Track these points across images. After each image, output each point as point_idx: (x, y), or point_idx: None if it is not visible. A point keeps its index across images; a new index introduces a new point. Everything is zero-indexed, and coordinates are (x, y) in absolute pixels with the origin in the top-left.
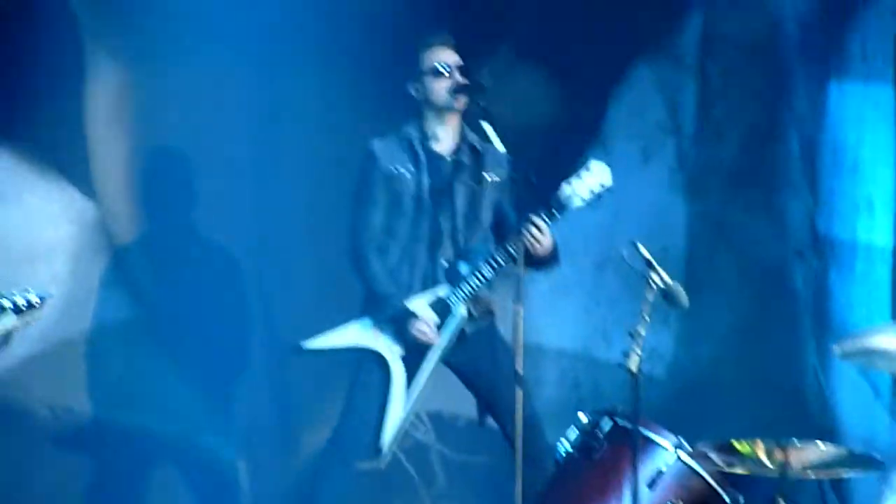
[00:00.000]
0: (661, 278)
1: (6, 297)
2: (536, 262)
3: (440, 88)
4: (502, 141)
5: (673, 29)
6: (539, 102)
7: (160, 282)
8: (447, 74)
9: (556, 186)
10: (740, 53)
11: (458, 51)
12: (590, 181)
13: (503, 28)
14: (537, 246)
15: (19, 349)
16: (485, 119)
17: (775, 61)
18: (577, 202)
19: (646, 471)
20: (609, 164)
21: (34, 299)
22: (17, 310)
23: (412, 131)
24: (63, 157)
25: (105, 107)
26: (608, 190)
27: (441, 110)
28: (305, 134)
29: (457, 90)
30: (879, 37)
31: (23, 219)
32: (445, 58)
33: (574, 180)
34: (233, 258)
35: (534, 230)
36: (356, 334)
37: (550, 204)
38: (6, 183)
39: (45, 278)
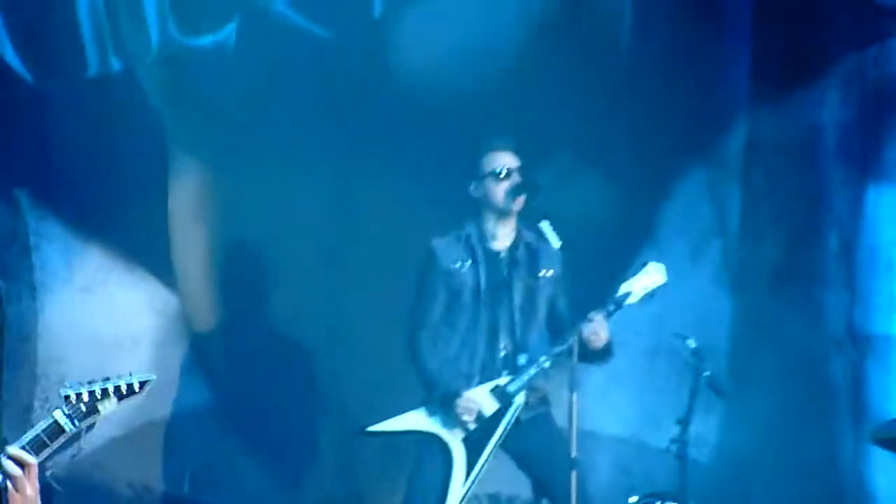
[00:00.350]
0: (708, 368)
1: (111, 382)
2: (591, 355)
3: (499, 190)
4: (560, 238)
5: (719, 136)
6: (595, 203)
7: (237, 369)
8: (506, 177)
9: (611, 282)
10: (782, 158)
11: (518, 153)
12: (645, 280)
13: (562, 132)
14: (595, 340)
15: (105, 430)
16: (543, 218)
17: (815, 165)
18: (632, 300)
19: None
20: (660, 261)
21: (136, 384)
22: (119, 395)
23: (471, 230)
24: (147, 251)
25: (186, 203)
26: (660, 288)
27: (499, 211)
28: (372, 230)
29: (515, 192)
30: None
31: (110, 310)
32: (505, 161)
33: (631, 279)
34: (304, 347)
35: (593, 325)
36: (417, 419)
37: (608, 301)
38: (95, 277)
39: (130, 366)
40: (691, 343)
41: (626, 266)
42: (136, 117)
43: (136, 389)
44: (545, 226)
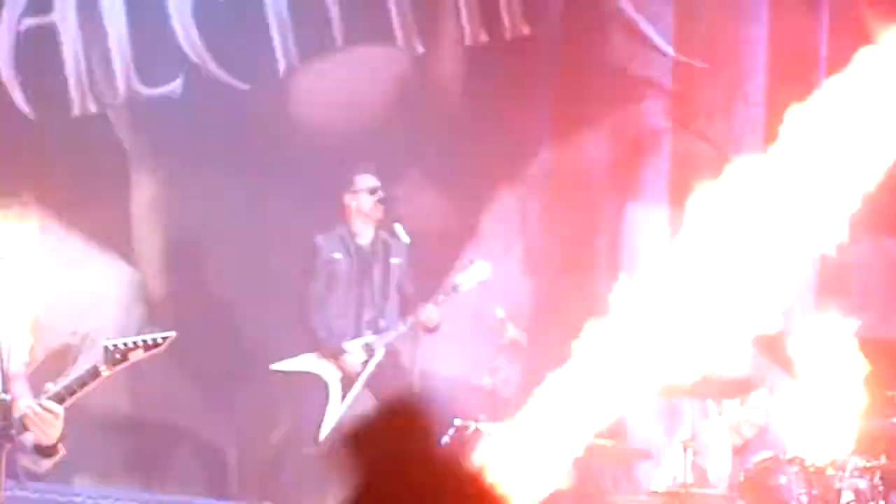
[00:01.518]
0: (512, 329)
1: (141, 337)
2: (427, 330)
3: (367, 202)
4: (408, 236)
5: (524, 164)
6: (436, 210)
7: (182, 323)
8: (371, 192)
9: (446, 269)
10: (568, 181)
11: (380, 175)
12: (475, 274)
13: (413, 158)
14: (428, 323)
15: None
16: (396, 221)
17: (591, 187)
18: (465, 288)
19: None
20: (480, 255)
21: (160, 339)
22: (146, 347)
23: (343, 230)
24: (116, 237)
25: (143, 205)
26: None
27: (364, 216)
28: (277, 230)
29: (376, 203)
30: (659, 173)
31: (87, 281)
32: (372, 182)
33: (464, 272)
34: (230, 307)
35: (427, 313)
36: (308, 362)
37: (446, 288)
38: (78, 255)
39: (103, 321)
40: (500, 312)
41: (457, 257)
42: (108, 146)
43: (160, 342)
44: (398, 227)
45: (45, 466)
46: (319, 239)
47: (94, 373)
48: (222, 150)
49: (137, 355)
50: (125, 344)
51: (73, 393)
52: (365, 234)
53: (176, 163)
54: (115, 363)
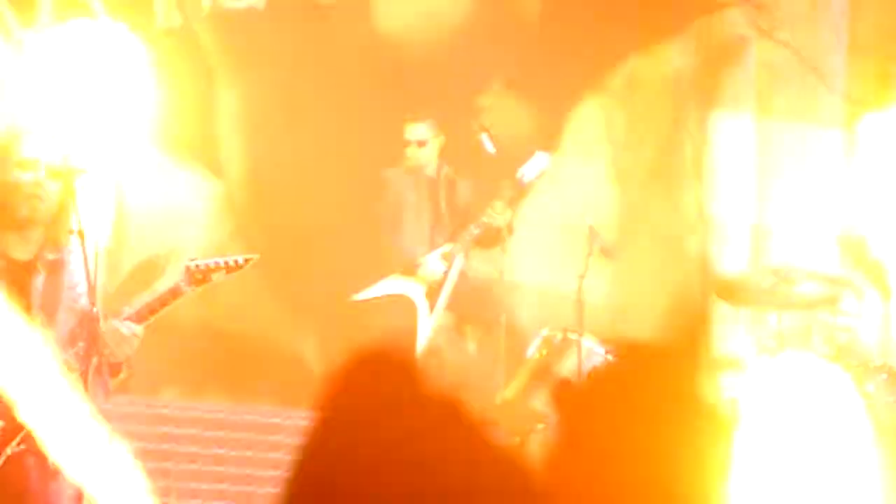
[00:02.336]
0: (602, 239)
1: (223, 259)
2: (496, 234)
3: (415, 154)
4: (493, 145)
5: (608, 72)
6: (520, 119)
7: (266, 236)
8: (421, 145)
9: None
10: (653, 89)
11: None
12: (535, 165)
13: (498, 67)
14: (497, 220)
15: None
16: (483, 131)
17: (676, 95)
18: (527, 179)
19: (585, 367)
20: (564, 165)
21: (241, 260)
22: (227, 268)
23: (409, 164)
24: (200, 149)
25: (228, 120)
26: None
27: (417, 166)
28: (350, 158)
29: (428, 154)
30: (744, 82)
31: (174, 194)
32: (420, 132)
33: (525, 166)
34: (311, 229)
35: (497, 208)
36: (388, 285)
37: (513, 184)
38: (164, 168)
39: (189, 235)
40: (588, 220)
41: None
42: (193, 57)
43: (242, 264)
44: (484, 136)
45: (109, 384)
46: (388, 172)
47: (176, 292)
48: (305, 65)
49: (219, 276)
50: (207, 264)
51: (153, 311)
52: (430, 168)
53: (258, 77)
54: (197, 283)
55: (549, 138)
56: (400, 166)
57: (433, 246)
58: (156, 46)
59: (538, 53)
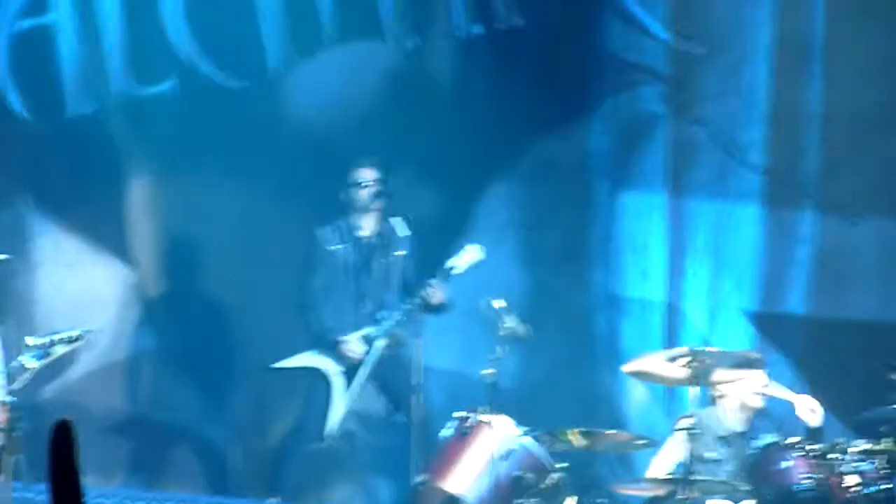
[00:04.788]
0: (510, 322)
1: (61, 333)
2: (433, 308)
3: (363, 196)
4: (408, 229)
5: (517, 155)
6: (432, 203)
7: (177, 323)
8: (367, 186)
9: (443, 259)
10: (561, 172)
11: (377, 168)
12: (467, 256)
13: (410, 152)
14: (433, 297)
15: (84, 366)
16: (394, 215)
17: (585, 176)
18: (458, 270)
19: (500, 449)
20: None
21: (76, 335)
22: (69, 341)
23: (343, 224)
24: (112, 238)
25: (139, 205)
26: (477, 263)
27: (362, 210)
28: (274, 224)
29: (374, 197)
30: (655, 161)
31: (85, 280)
32: (366, 175)
33: (455, 257)
34: (225, 308)
35: (432, 288)
36: (307, 359)
37: (440, 272)
38: (75, 254)
39: (101, 321)
40: (499, 303)
41: (454, 248)
42: (102, 145)
43: (78, 339)
44: (396, 220)
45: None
46: (319, 232)
47: (21, 369)
48: (216, 149)
49: (61, 350)
50: (50, 341)
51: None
52: (364, 228)
53: (171, 162)
54: (41, 357)
55: (460, 221)
56: (330, 225)
57: (357, 314)
58: (65, 136)
59: (449, 135)
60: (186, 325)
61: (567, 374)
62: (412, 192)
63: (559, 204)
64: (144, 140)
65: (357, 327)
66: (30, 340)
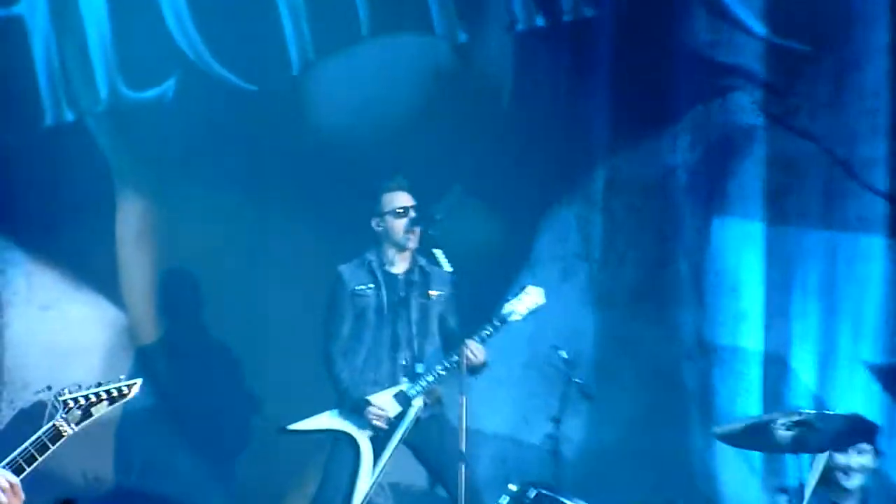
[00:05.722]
0: (577, 375)
1: (103, 387)
2: (471, 369)
3: (398, 227)
4: (451, 263)
5: (585, 175)
6: (481, 231)
7: (176, 374)
8: (403, 214)
9: (495, 299)
10: (639, 194)
11: (413, 192)
12: (527, 301)
13: (453, 170)
14: (473, 360)
15: None
16: (436, 246)
17: (667, 200)
18: (516, 317)
19: None
20: (535, 283)
21: (125, 388)
22: (111, 398)
23: (372, 257)
24: (96, 272)
25: (130, 232)
26: (539, 308)
27: (397, 244)
28: (288, 259)
29: (410, 226)
30: (752, 181)
31: (64, 324)
32: (402, 201)
33: (514, 300)
34: (233, 356)
35: (472, 348)
36: (331, 420)
37: (491, 321)
38: (50, 294)
39: (83, 373)
40: (563, 353)
41: (508, 286)
42: (86, 160)
43: (126, 392)
44: (438, 253)
45: None
46: (343, 269)
47: (55, 434)
48: (224, 164)
49: (102, 409)
50: (86, 397)
51: (31, 460)
52: (398, 263)
53: (168, 180)
54: (78, 420)
55: (513, 254)
56: (357, 260)
57: (391, 367)
58: (41, 148)
59: (504, 150)
60: (187, 377)
61: (646, 439)
62: (458, 219)
63: (637, 233)
64: (138, 153)
65: (390, 383)
66: (63, 397)
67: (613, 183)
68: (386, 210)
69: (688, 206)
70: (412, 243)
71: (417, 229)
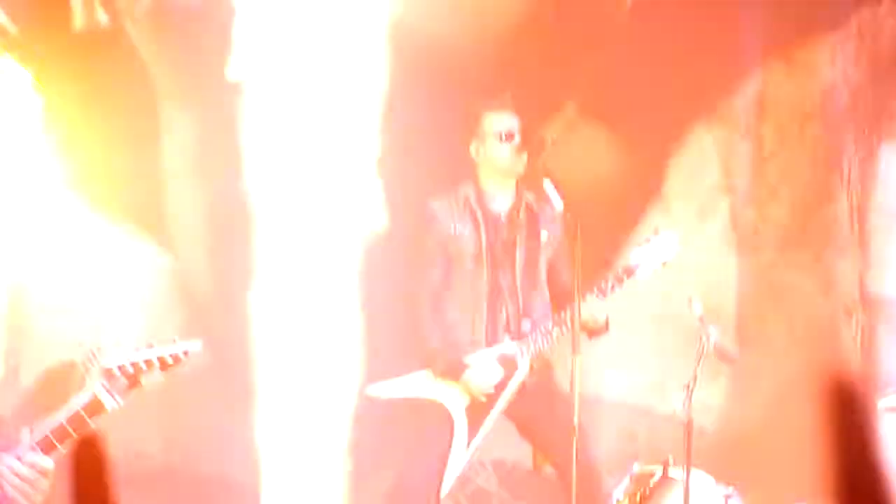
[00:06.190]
0: (714, 333)
1: (155, 351)
2: (589, 333)
3: (501, 152)
4: (562, 199)
5: (729, 93)
6: (601, 161)
7: (236, 332)
8: (508, 138)
9: (616, 244)
10: (793, 117)
11: (519, 112)
12: (660, 249)
13: (567, 86)
14: (591, 323)
15: None
16: (546, 177)
17: (827, 125)
18: (644, 270)
19: None
20: (666, 221)
21: (180, 354)
22: (163, 366)
23: (469, 191)
24: (138, 209)
25: (180, 159)
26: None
27: (502, 172)
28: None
29: (517, 153)
30: None
31: (100, 269)
32: (506, 122)
33: (643, 248)
34: (306, 306)
35: (591, 306)
36: (419, 385)
37: (617, 271)
38: (85, 233)
39: (121, 328)
40: (697, 307)
41: (632, 226)
42: (124, 72)
43: (181, 357)
44: (547, 184)
45: None
46: (437, 205)
47: (96, 405)
48: (291, 71)
49: (152, 377)
50: (134, 363)
51: (65, 437)
52: (501, 197)
53: (226, 97)
54: (124, 390)
55: (641, 188)
56: (452, 195)
57: (492, 323)
58: (71, 56)
59: (627, 64)
60: (246, 336)
61: (796, 412)
62: (572, 145)
63: (790, 163)
64: (188, 65)
65: (492, 341)
66: (107, 364)
67: (762, 103)
68: (487, 132)
69: (851, 132)
70: (517, 169)
71: (524, 156)
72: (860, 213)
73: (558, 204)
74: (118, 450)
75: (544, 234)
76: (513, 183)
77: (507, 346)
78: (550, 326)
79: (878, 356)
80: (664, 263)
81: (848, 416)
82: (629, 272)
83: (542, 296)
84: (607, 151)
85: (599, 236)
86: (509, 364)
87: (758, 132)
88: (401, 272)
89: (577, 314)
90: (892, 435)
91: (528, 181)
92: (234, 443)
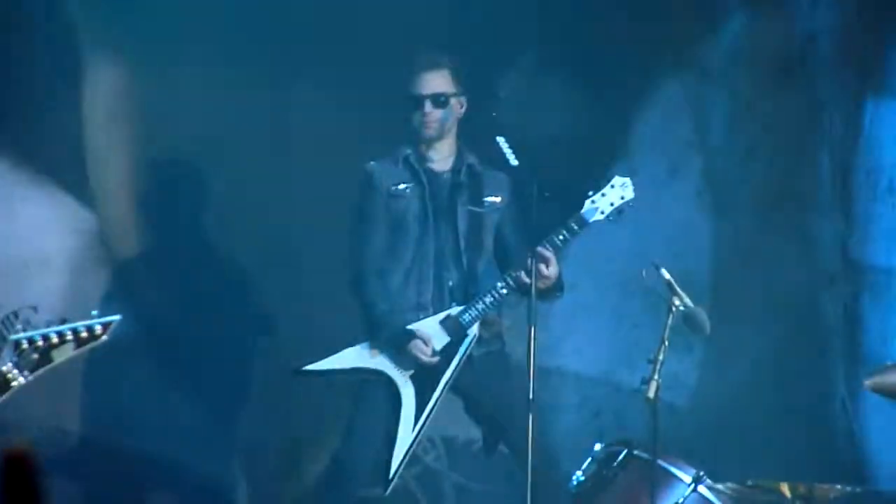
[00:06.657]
0: (683, 301)
1: (68, 326)
2: (542, 293)
3: (429, 120)
4: (517, 155)
5: (703, 41)
6: (561, 114)
7: (162, 298)
8: (434, 106)
9: (578, 202)
10: (772, 68)
11: (473, 61)
12: (612, 195)
13: (525, 33)
14: (544, 274)
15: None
16: (500, 133)
17: (808, 77)
18: (597, 216)
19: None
20: (634, 181)
21: (97, 328)
22: (78, 341)
23: (409, 150)
24: (59, 163)
25: (104, 113)
26: (631, 206)
27: (431, 139)
28: (309, 152)
29: (445, 118)
30: None
31: (16, 229)
32: (436, 85)
33: (596, 196)
34: (236, 275)
35: (542, 257)
36: (357, 356)
37: (570, 223)
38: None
39: (40, 291)
40: (665, 273)
41: (590, 183)
42: (43, 18)
43: (99, 333)
44: (500, 142)
45: None
46: (374, 165)
47: (2, 383)
48: (229, 27)
49: (65, 353)
50: (45, 337)
51: None
52: (442, 157)
53: (156, 47)
54: (33, 366)
55: (605, 143)
56: (390, 156)
57: (437, 287)
58: None
59: (591, 10)
60: (177, 301)
61: (773, 388)
62: (530, 96)
63: (768, 118)
64: (116, 11)
65: (436, 309)
66: (15, 337)
67: (739, 52)
68: (423, 92)
69: (833, 85)
70: (447, 137)
71: (453, 123)
72: (843, 173)
73: (512, 160)
74: (34, 424)
75: (489, 196)
76: (451, 145)
77: (453, 311)
78: (500, 288)
79: (862, 328)
80: (616, 208)
81: None
82: (581, 222)
83: (489, 261)
84: (568, 101)
85: (558, 195)
86: (457, 329)
87: (733, 83)
88: (341, 239)
89: (533, 278)
90: (876, 412)
91: (473, 141)
92: (157, 417)
